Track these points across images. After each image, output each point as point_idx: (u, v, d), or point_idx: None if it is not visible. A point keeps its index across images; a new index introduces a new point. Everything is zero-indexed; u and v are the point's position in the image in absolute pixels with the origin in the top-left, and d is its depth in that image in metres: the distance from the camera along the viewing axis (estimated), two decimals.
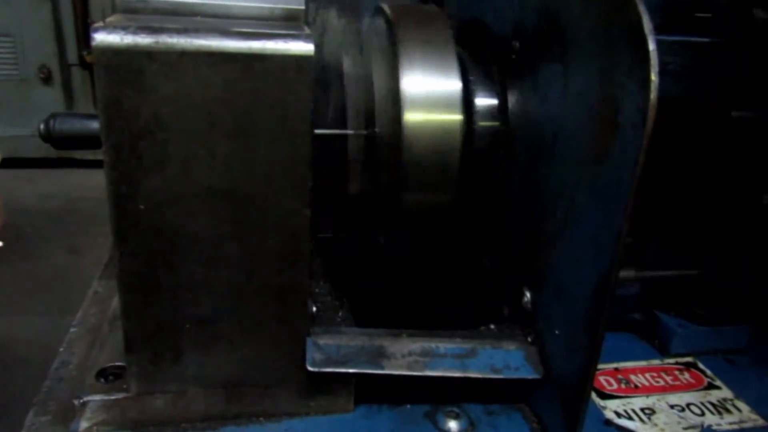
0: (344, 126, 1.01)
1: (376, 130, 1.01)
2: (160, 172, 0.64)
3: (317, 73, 1.27)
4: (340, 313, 1.03)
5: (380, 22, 0.93)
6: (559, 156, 0.74)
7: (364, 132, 1.02)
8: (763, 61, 0.85)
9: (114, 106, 0.61)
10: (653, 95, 0.57)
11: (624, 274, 0.97)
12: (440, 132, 0.83)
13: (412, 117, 0.82)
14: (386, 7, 0.93)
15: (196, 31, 0.61)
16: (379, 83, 0.91)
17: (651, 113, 0.57)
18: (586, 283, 0.68)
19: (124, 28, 0.60)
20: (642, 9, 0.58)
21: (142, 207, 0.65)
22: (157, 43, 0.60)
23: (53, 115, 0.85)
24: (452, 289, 1.10)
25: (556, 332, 0.75)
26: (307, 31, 0.65)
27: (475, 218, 0.96)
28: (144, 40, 0.60)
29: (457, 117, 0.83)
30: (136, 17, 0.66)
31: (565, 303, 0.73)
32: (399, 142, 0.81)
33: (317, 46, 1.39)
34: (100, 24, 0.60)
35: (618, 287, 0.99)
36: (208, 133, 0.64)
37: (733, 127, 0.83)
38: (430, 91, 0.83)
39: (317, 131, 1.01)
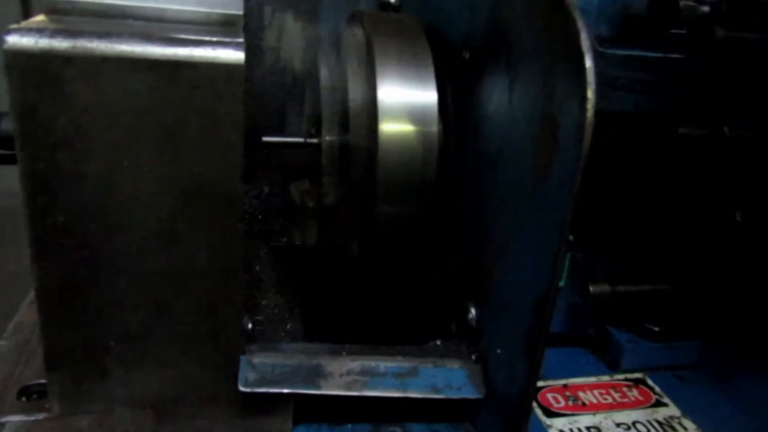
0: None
1: (326, 138, 0.99)
2: (80, 184, 0.61)
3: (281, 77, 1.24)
4: (288, 326, 1.01)
5: (356, 30, 0.91)
6: (503, 171, 0.73)
7: (315, 140, 1.00)
8: (721, 77, 0.84)
9: (29, 113, 0.57)
10: (590, 113, 0.55)
11: (598, 289, 0.96)
12: (416, 143, 0.81)
13: (387, 128, 0.80)
14: (362, 15, 0.92)
15: (119, 35, 0.58)
16: (354, 92, 0.89)
17: (588, 131, 0.56)
18: (525, 302, 0.67)
19: (40, 31, 0.56)
20: (581, 25, 0.57)
21: (61, 219, 0.62)
22: (74, 47, 0.57)
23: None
24: (407, 302, 1.08)
25: (498, 351, 0.73)
26: (240, 39, 0.62)
27: (429, 230, 0.94)
28: (61, 44, 0.56)
29: (433, 129, 0.81)
30: (60, 19, 0.63)
31: (506, 321, 0.72)
32: (374, 152, 0.79)
33: (274, 50, 1.37)
34: (16, 26, 0.57)
35: (581, 301, 0.99)
36: (132, 143, 0.61)
37: (680, 144, 0.82)
38: (405, 102, 0.81)
39: (265, 138, 0.99)
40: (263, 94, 1.25)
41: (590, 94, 0.55)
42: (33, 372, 0.76)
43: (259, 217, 1.28)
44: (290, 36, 1.24)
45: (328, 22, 1.21)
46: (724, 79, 0.81)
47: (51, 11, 0.64)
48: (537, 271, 0.65)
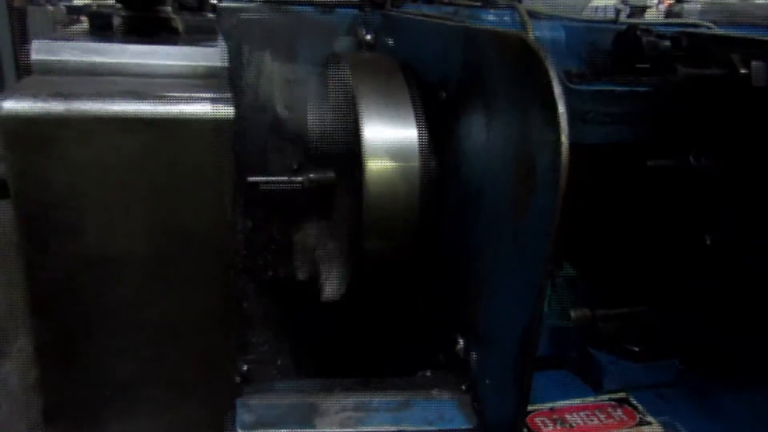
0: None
1: (310, 176, 1.02)
2: (75, 239, 0.62)
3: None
4: (278, 362, 1.02)
5: (337, 71, 0.95)
6: (483, 208, 0.76)
7: (299, 179, 1.02)
8: (685, 110, 0.89)
9: (25, 175, 0.59)
10: (564, 157, 0.59)
11: (579, 313, 0.99)
12: (399, 178, 0.85)
13: (373, 165, 0.83)
14: (342, 56, 0.95)
15: (111, 95, 0.60)
16: (338, 131, 0.92)
17: (563, 174, 0.59)
18: (511, 333, 0.69)
19: (35, 96, 0.58)
20: (552, 74, 0.60)
21: (57, 275, 0.63)
22: (69, 110, 0.59)
23: None
24: (397, 332, 1.10)
25: (487, 381, 0.75)
26: (227, 93, 0.65)
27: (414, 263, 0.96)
28: (56, 107, 0.58)
29: (415, 164, 0.85)
30: (53, 80, 0.65)
31: (493, 352, 0.74)
32: (360, 188, 0.83)
33: (252, 88, 1.39)
34: (10, 90, 0.59)
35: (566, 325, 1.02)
36: (125, 199, 0.63)
37: (650, 173, 0.86)
38: (388, 140, 0.84)
39: (250, 179, 1.01)
40: (244, 131, 1.28)
41: (564, 138, 0.59)
42: (27, 424, 0.76)
43: (245, 252, 1.29)
44: (269, 74, 1.27)
45: (306, 61, 1.25)
46: (688, 111, 0.86)
47: (43, 71, 0.66)
48: (520, 303, 0.68)
